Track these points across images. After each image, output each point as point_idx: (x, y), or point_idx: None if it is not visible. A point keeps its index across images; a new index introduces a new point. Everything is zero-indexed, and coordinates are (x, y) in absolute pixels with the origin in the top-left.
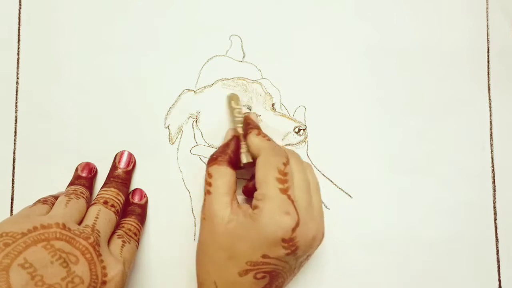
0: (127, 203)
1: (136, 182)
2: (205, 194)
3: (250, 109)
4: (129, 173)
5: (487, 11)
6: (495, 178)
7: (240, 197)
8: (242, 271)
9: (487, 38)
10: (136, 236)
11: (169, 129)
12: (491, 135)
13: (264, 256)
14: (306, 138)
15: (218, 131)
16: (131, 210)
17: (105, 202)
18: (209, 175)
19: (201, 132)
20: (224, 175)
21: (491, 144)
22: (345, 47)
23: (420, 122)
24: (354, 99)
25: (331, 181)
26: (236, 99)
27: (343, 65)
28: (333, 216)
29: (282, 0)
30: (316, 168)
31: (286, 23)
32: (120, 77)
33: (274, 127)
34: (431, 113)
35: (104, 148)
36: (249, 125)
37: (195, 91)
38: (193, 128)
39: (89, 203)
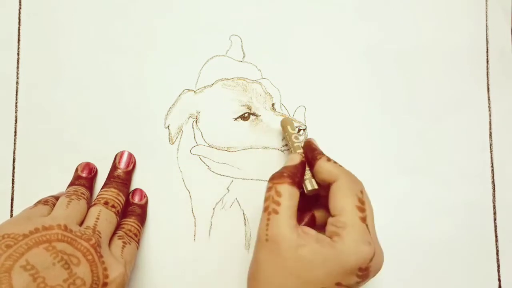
0: (127, 203)
1: (136, 182)
2: (268, 213)
3: (250, 109)
4: (129, 173)
5: (486, 12)
6: (495, 178)
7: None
8: None
9: (487, 39)
10: (137, 237)
11: (169, 129)
12: (490, 135)
13: (337, 284)
14: (306, 138)
15: (218, 131)
16: (131, 210)
17: (106, 203)
18: (277, 193)
19: (201, 132)
20: (294, 196)
21: (491, 144)
22: (345, 47)
23: (420, 122)
24: (354, 99)
25: None
26: (291, 123)
27: (343, 65)
28: None
29: (282, 0)
30: None
31: (286, 23)
32: (120, 77)
33: (274, 127)
34: (431, 113)
35: (104, 148)
36: (315, 150)
37: (195, 91)
38: (193, 128)
39: (89, 204)
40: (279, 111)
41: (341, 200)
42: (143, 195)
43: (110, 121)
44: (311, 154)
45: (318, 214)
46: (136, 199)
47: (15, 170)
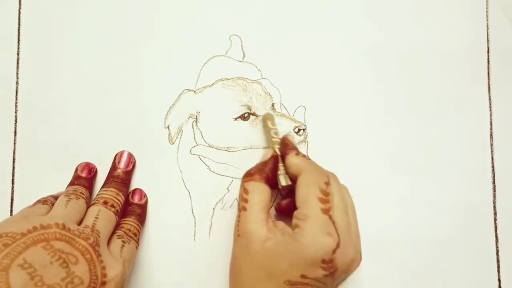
0: (127, 203)
1: (136, 182)
2: (239, 210)
3: (250, 109)
4: (129, 173)
5: (487, 11)
6: (495, 178)
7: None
8: None
9: (487, 38)
10: (136, 237)
11: (169, 129)
12: (491, 135)
13: (302, 276)
14: (306, 138)
15: (218, 131)
16: (131, 210)
17: (105, 202)
18: (245, 190)
19: (201, 132)
20: (262, 192)
21: (491, 144)
22: (345, 47)
23: (420, 122)
24: (354, 99)
25: None
26: (272, 119)
27: (343, 65)
28: None
29: (282, 1)
30: None
31: (286, 23)
32: (120, 77)
33: None
34: (431, 113)
35: (104, 148)
36: (287, 146)
37: (195, 91)
38: (193, 128)
39: (88, 203)
40: (279, 111)
41: (303, 192)
42: (142, 195)
43: (110, 121)
44: (283, 149)
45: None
46: (136, 199)
47: (15, 170)
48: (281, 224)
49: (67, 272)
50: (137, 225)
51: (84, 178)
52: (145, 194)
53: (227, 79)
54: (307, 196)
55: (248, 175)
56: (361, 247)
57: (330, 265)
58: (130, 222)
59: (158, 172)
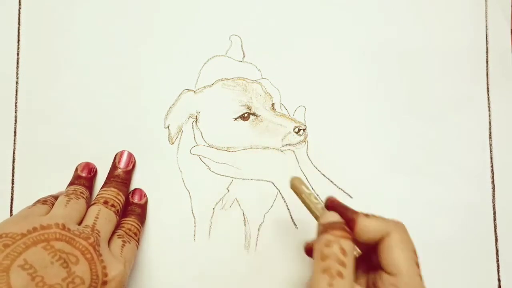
0: (127, 203)
1: (136, 182)
2: (331, 276)
3: (250, 109)
4: (129, 173)
5: (486, 12)
6: (495, 178)
7: None
8: None
9: (486, 39)
10: (136, 236)
11: (169, 129)
12: (490, 135)
13: None
14: (306, 138)
15: (218, 131)
16: (131, 210)
17: (105, 202)
18: (342, 251)
19: (201, 132)
20: (353, 254)
21: (490, 144)
22: (345, 47)
23: (420, 122)
24: (354, 99)
25: (331, 181)
26: (303, 184)
27: (343, 65)
28: None
29: (282, 1)
30: (316, 168)
31: (286, 23)
32: (120, 77)
33: (274, 127)
34: (430, 113)
35: (104, 148)
36: (348, 209)
37: (195, 91)
38: (193, 128)
39: (89, 203)
40: (279, 111)
41: (400, 258)
42: (142, 194)
43: (110, 121)
44: (345, 214)
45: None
46: (136, 199)
47: (15, 170)
48: None
49: (68, 272)
50: (137, 224)
51: (84, 177)
52: (145, 194)
53: (227, 79)
54: (405, 262)
55: (343, 230)
56: None
57: None
58: (130, 222)
59: (158, 172)
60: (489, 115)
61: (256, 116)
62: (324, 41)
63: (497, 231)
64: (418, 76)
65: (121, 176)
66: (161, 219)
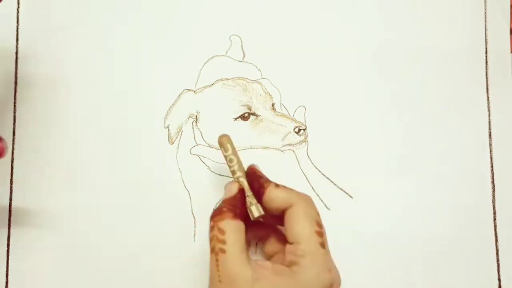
0: None
1: (136, 182)
2: (216, 254)
3: (250, 109)
4: None
5: (485, 12)
6: (494, 178)
7: None
8: None
9: (486, 39)
10: None
11: (168, 129)
12: (490, 135)
13: None
14: (306, 138)
15: (218, 131)
16: None
17: None
18: (220, 231)
19: (201, 132)
20: (239, 230)
21: (490, 144)
22: (345, 47)
23: (420, 122)
24: (354, 99)
25: (331, 181)
26: (225, 143)
27: (343, 65)
28: (333, 216)
29: (282, 1)
30: (316, 168)
31: (286, 23)
32: (120, 77)
33: (274, 127)
34: (430, 114)
35: (104, 148)
36: (261, 178)
37: (195, 91)
38: (192, 128)
39: None
40: (279, 111)
41: (299, 227)
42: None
43: (110, 121)
44: (257, 182)
45: (270, 241)
46: None
47: (13, 170)
48: (266, 263)
49: None
50: None
51: None
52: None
53: (227, 79)
54: (304, 230)
55: (220, 213)
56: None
57: None
58: None
59: (158, 172)
60: (489, 115)
61: (256, 116)
62: (325, 41)
63: (497, 231)
64: (418, 77)
65: None
66: (161, 219)
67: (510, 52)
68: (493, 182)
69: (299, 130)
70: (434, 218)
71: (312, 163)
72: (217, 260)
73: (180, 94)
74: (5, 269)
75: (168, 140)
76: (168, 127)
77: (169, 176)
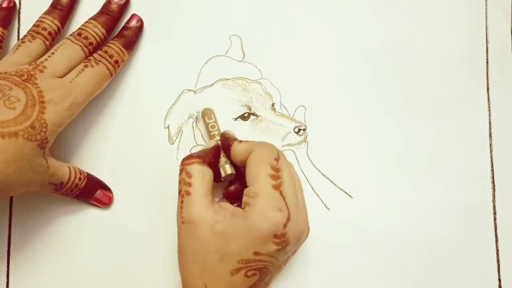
0: None
1: (135, 182)
2: (182, 196)
3: (250, 109)
4: (122, 8)
5: (486, 12)
6: (495, 178)
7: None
8: (233, 270)
9: (486, 39)
10: (112, 59)
11: (169, 129)
12: (490, 135)
13: (255, 253)
14: (306, 138)
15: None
16: (119, 33)
17: (79, 34)
18: (187, 174)
19: (201, 132)
20: (205, 175)
21: (491, 144)
22: (345, 47)
23: (420, 122)
24: (354, 99)
25: (331, 181)
26: (209, 114)
27: (343, 65)
28: (333, 216)
29: (282, 1)
30: (316, 168)
31: (286, 23)
32: (120, 77)
33: (274, 127)
34: (430, 113)
35: (104, 148)
36: (228, 138)
37: (195, 91)
38: (193, 128)
39: (56, 37)
40: (279, 111)
41: (254, 170)
42: (138, 18)
43: (109, 121)
44: (225, 142)
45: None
46: (131, 23)
47: None
48: (229, 206)
49: (3, 94)
50: (119, 48)
51: (60, 9)
52: (141, 19)
53: (227, 79)
54: (258, 173)
55: (190, 158)
56: (308, 219)
57: (282, 239)
58: (110, 44)
59: (158, 172)
60: (489, 115)
61: (256, 116)
62: (325, 41)
63: (498, 231)
64: (419, 76)
65: (111, 9)
66: (161, 219)
67: (511, 52)
68: (493, 182)
69: (299, 130)
70: (434, 218)
71: (312, 163)
72: (182, 202)
73: (180, 94)
74: (5, 269)
75: (168, 140)
76: (168, 127)
77: (169, 176)
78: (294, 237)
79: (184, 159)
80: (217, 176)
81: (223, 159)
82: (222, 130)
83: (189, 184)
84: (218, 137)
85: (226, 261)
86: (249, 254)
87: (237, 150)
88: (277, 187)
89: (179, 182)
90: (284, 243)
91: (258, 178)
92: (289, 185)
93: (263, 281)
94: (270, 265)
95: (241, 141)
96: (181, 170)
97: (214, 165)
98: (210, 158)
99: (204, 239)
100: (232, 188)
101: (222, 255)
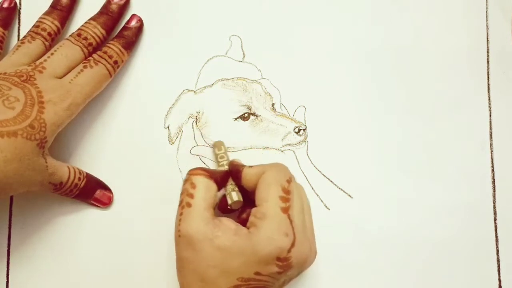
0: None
1: (135, 182)
2: (182, 207)
3: (250, 109)
4: (122, 8)
5: (486, 11)
6: (495, 178)
7: None
8: (232, 287)
9: (487, 39)
10: (111, 59)
11: (169, 129)
12: (490, 135)
13: (256, 273)
14: (306, 138)
15: (218, 131)
16: (119, 34)
17: (79, 35)
18: (192, 185)
19: (201, 133)
20: (210, 189)
21: (491, 144)
22: (345, 47)
23: (420, 122)
24: (354, 99)
25: (331, 181)
26: (219, 145)
27: (343, 65)
28: (333, 216)
29: (282, 0)
30: (316, 168)
31: (286, 23)
32: (120, 77)
33: (274, 127)
34: (431, 113)
35: (103, 148)
36: (238, 165)
37: (195, 91)
38: (193, 128)
39: (55, 38)
40: (279, 111)
41: (264, 190)
42: (138, 18)
43: (109, 121)
44: (234, 168)
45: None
46: (130, 23)
47: None
48: (231, 223)
49: (2, 94)
50: (118, 48)
51: (59, 9)
52: (141, 19)
53: (227, 79)
54: (268, 194)
55: (197, 169)
56: (316, 244)
57: (285, 263)
58: (109, 45)
59: (158, 172)
60: (489, 115)
61: (256, 116)
62: (325, 41)
63: (498, 231)
64: (419, 76)
65: (111, 9)
66: (161, 219)
67: (511, 52)
68: (493, 182)
69: (299, 130)
70: (434, 218)
71: (312, 163)
72: (181, 214)
73: (180, 94)
74: (5, 268)
75: (168, 141)
76: (168, 127)
77: (169, 176)
78: (298, 262)
79: (191, 170)
80: (222, 207)
81: (230, 186)
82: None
83: (192, 196)
84: (226, 167)
85: (226, 277)
86: (250, 273)
87: (248, 174)
88: (285, 210)
89: (182, 192)
90: (286, 266)
91: (268, 199)
92: (298, 209)
93: None
94: (271, 285)
95: (251, 166)
96: (186, 180)
97: (220, 186)
98: (218, 177)
99: (203, 253)
100: (245, 215)
101: (222, 270)
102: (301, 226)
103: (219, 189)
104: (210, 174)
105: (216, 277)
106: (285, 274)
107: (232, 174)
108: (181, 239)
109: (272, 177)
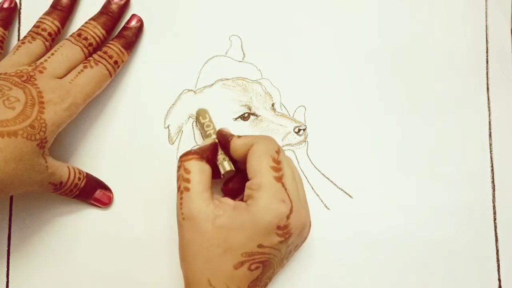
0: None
1: (135, 182)
2: (181, 192)
3: (250, 109)
4: (122, 8)
5: (486, 12)
6: (495, 178)
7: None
8: (237, 264)
9: (486, 39)
10: (111, 59)
11: (169, 129)
12: (490, 135)
13: (259, 246)
14: (306, 138)
15: None
16: (119, 34)
17: (79, 35)
18: (186, 170)
19: (201, 133)
20: (203, 171)
21: (490, 144)
22: (345, 47)
23: (420, 122)
24: (354, 99)
25: (331, 181)
26: (204, 114)
27: (343, 65)
28: (333, 216)
29: (282, 0)
30: (316, 168)
31: (286, 23)
32: (120, 77)
33: (274, 127)
34: (430, 113)
35: (103, 148)
36: (226, 135)
37: (195, 91)
38: (193, 128)
39: (56, 38)
40: (279, 111)
41: (255, 163)
42: (139, 19)
43: (110, 121)
44: (223, 139)
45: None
46: (130, 23)
47: None
48: (229, 200)
49: (2, 94)
50: (119, 48)
51: (60, 9)
52: (141, 19)
53: (227, 79)
54: (260, 165)
55: (187, 154)
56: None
57: (285, 231)
58: (109, 45)
59: (158, 172)
60: (489, 115)
61: (256, 116)
62: (325, 41)
63: (497, 231)
64: (418, 76)
65: (111, 9)
66: (160, 220)
67: (511, 52)
68: (493, 182)
69: (299, 130)
70: (434, 218)
71: (312, 163)
72: (181, 199)
73: (180, 94)
74: (5, 268)
75: (168, 140)
76: (168, 127)
77: (169, 176)
78: (297, 229)
79: (181, 156)
80: (215, 174)
81: (221, 156)
82: (217, 129)
83: (188, 180)
84: (214, 136)
85: (230, 254)
86: (253, 246)
87: (236, 145)
88: (279, 179)
89: (178, 179)
90: (287, 234)
91: (261, 170)
92: (290, 177)
93: (266, 275)
94: (273, 257)
95: (239, 136)
96: (179, 167)
97: (212, 162)
98: (208, 154)
99: (206, 233)
100: (231, 184)
101: (226, 248)
102: (295, 193)
103: (211, 165)
104: (201, 155)
105: (220, 255)
106: (286, 243)
107: (221, 144)
108: (185, 222)
109: (262, 148)
